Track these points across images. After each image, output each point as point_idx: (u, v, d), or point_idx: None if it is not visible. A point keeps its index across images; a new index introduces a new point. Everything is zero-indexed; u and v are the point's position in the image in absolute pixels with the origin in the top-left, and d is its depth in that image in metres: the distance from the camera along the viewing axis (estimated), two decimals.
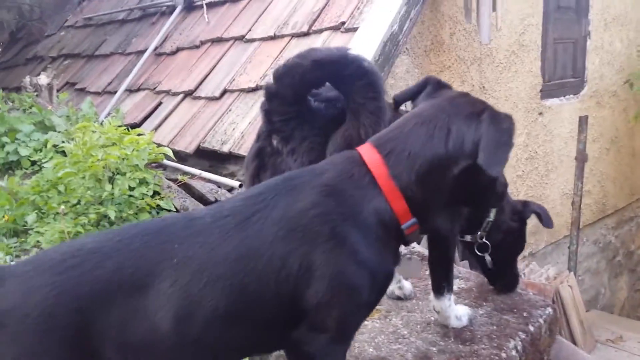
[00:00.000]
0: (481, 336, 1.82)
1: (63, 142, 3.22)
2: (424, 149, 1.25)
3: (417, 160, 1.24)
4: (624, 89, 5.89)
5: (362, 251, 1.18)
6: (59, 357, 1.08)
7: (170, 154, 2.97)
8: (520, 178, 4.92)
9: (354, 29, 3.51)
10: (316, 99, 1.67)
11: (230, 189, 3.15)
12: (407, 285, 2.12)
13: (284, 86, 1.59)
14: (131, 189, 2.67)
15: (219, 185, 3.22)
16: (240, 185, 3.07)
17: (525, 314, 1.95)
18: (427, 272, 1.96)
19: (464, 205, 1.38)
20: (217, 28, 4.59)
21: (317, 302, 1.16)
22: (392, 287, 2.10)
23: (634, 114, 5.96)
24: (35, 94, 4.35)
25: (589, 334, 4.41)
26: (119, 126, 2.88)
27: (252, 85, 3.72)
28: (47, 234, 2.41)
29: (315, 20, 3.81)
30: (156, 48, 4.95)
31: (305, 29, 3.80)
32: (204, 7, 4.87)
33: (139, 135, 2.86)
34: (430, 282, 1.89)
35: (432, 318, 1.94)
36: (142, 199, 2.68)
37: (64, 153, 3.06)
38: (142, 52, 4.98)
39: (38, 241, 2.47)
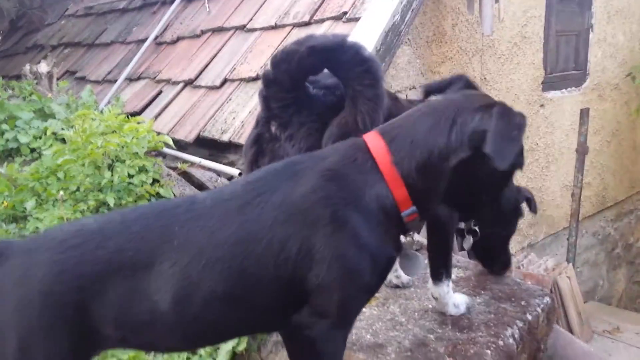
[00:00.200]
0: (479, 324, 1.82)
1: (63, 129, 3.21)
2: (426, 138, 1.24)
3: (419, 148, 1.23)
4: (626, 82, 5.87)
5: (363, 235, 1.18)
6: (58, 332, 1.09)
7: (170, 142, 2.97)
8: (521, 170, 4.91)
9: (356, 19, 3.49)
10: (315, 86, 1.67)
11: (230, 178, 3.15)
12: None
13: (281, 72, 1.59)
14: (130, 176, 2.67)
15: (219, 173, 3.22)
16: (240, 174, 3.06)
17: (523, 303, 1.95)
18: (425, 261, 1.96)
19: (463, 200, 1.36)
20: (218, 17, 4.57)
21: (318, 286, 1.16)
22: (390, 276, 2.11)
23: (635, 107, 5.94)
24: (35, 82, 4.33)
25: (586, 325, 4.43)
26: (119, 114, 2.88)
27: (253, 74, 3.71)
28: (46, 220, 2.42)
29: (316, 10, 3.80)
30: (157, 37, 4.93)
31: (306, 18, 3.78)
32: None
33: (138, 123, 2.85)
34: (428, 270, 1.89)
35: (430, 306, 1.95)
36: (142, 186, 2.68)
37: (63, 141, 3.06)
38: (143, 41, 4.96)
39: (37, 227, 2.47)
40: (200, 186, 2.98)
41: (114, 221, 1.19)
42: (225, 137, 3.46)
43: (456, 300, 1.89)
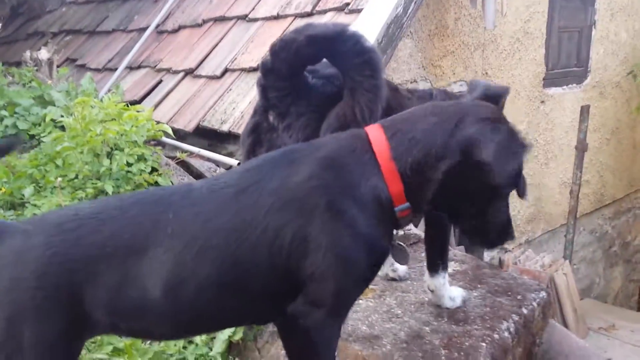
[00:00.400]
0: (474, 317, 1.83)
1: (62, 117, 3.20)
2: (426, 137, 1.23)
3: (417, 146, 1.23)
4: (628, 80, 5.86)
5: (358, 224, 1.18)
6: (49, 314, 1.10)
7: (170, 131, 2.96)
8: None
9: (358, 10, 3.47)
10: (314, 76, 1.65)
11: (229, 168, 3.14)
12: (401, 266, 2.13)
13: (280, 61, 1.57)
14: (129, 164, 2.67)
15: (218, 164, 3.21)
16: (239, 164, 3.06)
17: (519, 297, 1.96)
18: (423, 254, 1.97)
19: (450, 206, 1.33)
20: (220, 6, 4.55)
21: (312, 274, 1.16)
22: (386, 270, 2.11)
23: (636, 106, 5.94)
24: (35, 68, 4.31)
25: (581, 322, 4.45)
26: (119, 102, 2.87)
27: (254, 65, 3.69)
28: (44, 207, 2.42)
29: (319, 1, 3.78)
30: (158, 26, 4.90)
31: (308, 9, 3.77)
32: None
33: (138, 112, 2.84)
34: (425, 264, 1.89)
35: (426, 299, 1.95)
36: (140, 175, 2.67)
37: (62, 128, 3.05)
38: (144, 29, 4.94)
39: (35, 214, 2.47)
40: (199, 176, 2.97)
41: (110, 206, 1.19)
42: (225, 128, 3.46)
43: (452, 293, 1.89)
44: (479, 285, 2.05)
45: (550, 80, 5.10)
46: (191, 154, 3.28)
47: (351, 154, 1.23)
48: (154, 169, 2.79)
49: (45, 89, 3.75)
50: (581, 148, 4.96)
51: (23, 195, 2.64)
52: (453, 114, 1.25)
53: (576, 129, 5.06)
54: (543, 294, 1.99)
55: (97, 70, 5.07)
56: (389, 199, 1.22)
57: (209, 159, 3.27)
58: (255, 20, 4.11)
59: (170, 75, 4.33)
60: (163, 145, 3.51)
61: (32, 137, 3.42)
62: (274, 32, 3.84)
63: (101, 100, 2.93)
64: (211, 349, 1.90)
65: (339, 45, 1.52)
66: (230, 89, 3.72)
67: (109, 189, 2.52)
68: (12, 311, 1.09)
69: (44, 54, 4.45)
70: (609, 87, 5.76)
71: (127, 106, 2.89)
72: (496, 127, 1.23)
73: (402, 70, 3.77)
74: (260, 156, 1.32)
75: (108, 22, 5.75)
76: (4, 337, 1.08)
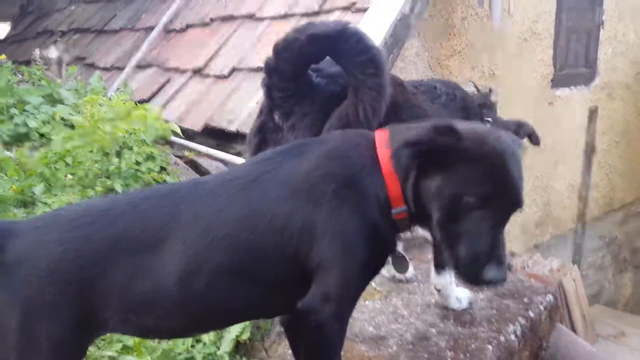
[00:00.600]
0: (481, 319, 1.83)
1: (71, 115, 3.23)
2: None
3: None
4: (637, 81, 5.80)
5: (363, 211, 1.20)
6: (59, 308, 1.11)
7: (178, 130, 2.98)
8: (528, 168, 4.89)
9: (365, 9, 3.47)
10: (318, 74, 1.65)
11: None
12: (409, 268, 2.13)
13: (283, 61, 1.57)
14: (138, 163, 2.69)
15: (226, 163, 3.23)
16: None
17: (525, 300, 1.96)
18: (430, 256, 1.97)
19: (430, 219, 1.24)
20: (228, 5, 4.56)
21: (320, 263, 1.18)
22: (393, 271, 2.11)
23: None
24: (45, 67, 4.35)
25: (590, 328, 4.40)
26: (127, 101, 2.89)
27: (261, 64, 3.67)
28: (54, 205, 2.44)
29: (326, 0, 3.78)
30: (166, 24, 4.92)
31: (315, 8, 3.77)
32: None
33: (146, 110, 2.86)
34: (431, 265, 1.89)
35: (433, 300, 1.95)
36: (149, 173, 2.70)
37: (72, 127, 3.08)
38: (152, 28, 4.97)
39: (45, 212, 2.49)
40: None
41: (121, 202, 1.21)
42: (233, 127, 3.47)
43: (459, 294, 1.89)
44: (485, 288, 2.05)
45: (558, 81, 5.06)
46: (199, 153, 3.30)
47: (356, 147, 1.26)
48: (162, 168, 2.81)
49: (55, 87, 3.79)
50: (589, 151, 4.92)
51: (33, 193, 2.66)
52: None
53: (584, 130, 5.02)
54: (550, 297, 1.99)
55: (105, 69, 5.10)
56: (386, 197, 1.23)
57: (217, 159, 3.29)
58: (262, 19, 4.12)
59: (178, 74, 4.35)
60: (172, 144, 3.53)
61: (41, 135, 3.45)
62: (281, 31, 3.81)
63: (110, 99, 2.96)
64: (219, 348, 1.91)
65: (342, 44, 1.52)
66: (238, 89, 3.73)
67: (118, 187, 2.55)
68: (25, 307, 1.10)
69: (53, 52, 4.50)
70: (618, 88, 5.71)
71: (136, 105, 2.91)
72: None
73: (409, 70, 3.76)
74: (270, 150, 1.34)
75: (116, 21, 5.78)
76: (17, 333, 1.10)
